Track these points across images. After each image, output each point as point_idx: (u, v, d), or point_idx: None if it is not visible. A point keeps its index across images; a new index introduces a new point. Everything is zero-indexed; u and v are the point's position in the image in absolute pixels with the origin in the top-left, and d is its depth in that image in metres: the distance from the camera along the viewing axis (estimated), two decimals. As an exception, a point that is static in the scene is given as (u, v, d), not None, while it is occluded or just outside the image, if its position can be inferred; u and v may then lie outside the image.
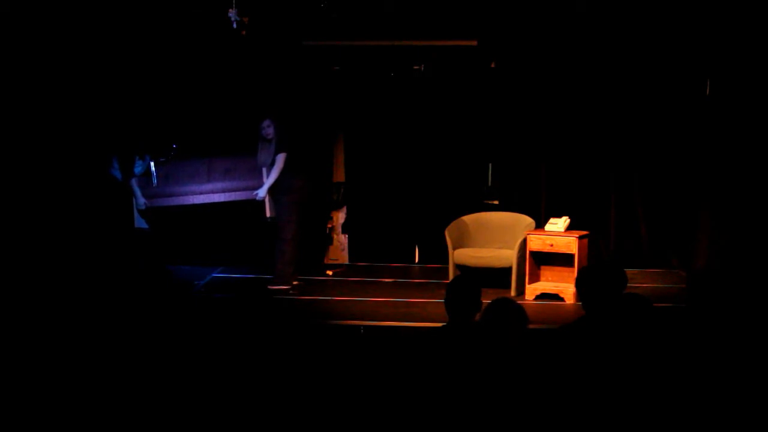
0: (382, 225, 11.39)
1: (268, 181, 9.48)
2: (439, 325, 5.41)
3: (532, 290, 9.26)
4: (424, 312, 8.51)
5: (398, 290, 9.70)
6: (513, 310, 4.94)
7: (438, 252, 10.32)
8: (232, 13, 8.70)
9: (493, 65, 10.64)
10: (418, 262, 11.39)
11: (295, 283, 9.60)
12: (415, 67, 10.80)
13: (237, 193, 9.81)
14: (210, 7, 9.23)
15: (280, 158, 9.44)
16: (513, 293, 9.24)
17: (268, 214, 9.66)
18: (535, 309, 8.72)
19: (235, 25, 8.73)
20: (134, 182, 9.74)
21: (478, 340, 4.92)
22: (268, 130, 9.44)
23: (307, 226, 9.93)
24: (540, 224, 9.63)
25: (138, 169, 9.76)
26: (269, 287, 9.52)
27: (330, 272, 10.65)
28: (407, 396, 4.92)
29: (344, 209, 11.45)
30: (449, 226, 9.80)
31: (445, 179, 11.22)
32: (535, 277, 9.39)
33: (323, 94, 11.08)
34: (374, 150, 11.33)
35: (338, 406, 5.83)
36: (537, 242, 9.28)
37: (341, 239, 11.44)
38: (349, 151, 11.36)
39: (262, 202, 9.55)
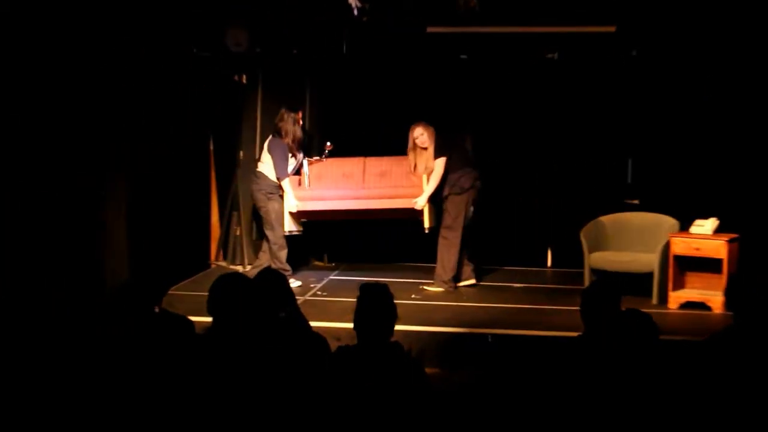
0: (512, 225, 11.16)
1: (429, 188, 9.34)
2: (575, 335, 5.35)
3: (675, 298, 8.84)
4: (558, 320, 8.17)
5: (529, 296, 9.44)
6: (643, 320, 4.69)
7: (573, 255, 9.90)
8: (353, 1, 8.68)
9: (634, 53, 10.29)
10: (551, 266, 11.13)
11: (451, 288, 9.38)
12: (548, 56, 10.53)
13: (393, 200, 9.58)
14: None
15: (440, 163, 9.29)
16: (655, 301, 8.88)
17: (426, 225, 9.47)
18: (680, 319, 8.47)
19: (356, 12, 8.73)
20: (287, 182, 9.55)
21: (613, 353, 4.67)
22: (422, 138, 9.33)
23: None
24: (685, 226, 9.18)
25: (290, 167, 9.62)
26: (424, 288, 9.41)
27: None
28: (537, 410, 4.80)
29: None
30: (585, 228, 9.50)
31: (581, 176, 10.97)
32: (679, 284, 8.96)
33: (450, 84, 10.90)
34: (503, 144, 11.09)
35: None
36: (681, 246, 8.87)
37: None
38: (477, 144, 10.88)
39: (421, 211, 9.37)
